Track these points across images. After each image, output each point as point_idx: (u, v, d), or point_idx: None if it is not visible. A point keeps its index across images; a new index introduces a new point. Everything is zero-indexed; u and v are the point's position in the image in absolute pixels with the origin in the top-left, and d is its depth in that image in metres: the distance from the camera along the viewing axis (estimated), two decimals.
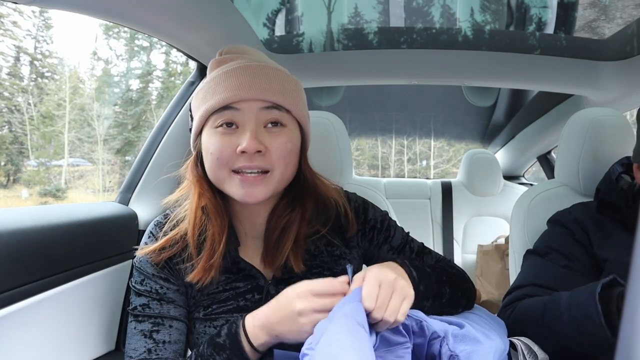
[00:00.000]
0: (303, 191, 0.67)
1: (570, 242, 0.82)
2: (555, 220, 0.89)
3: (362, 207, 0.72)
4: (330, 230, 0.68)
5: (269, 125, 0.60)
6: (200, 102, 0.61)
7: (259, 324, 0.54)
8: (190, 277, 0.61)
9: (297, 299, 0.52)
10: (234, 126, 0.59)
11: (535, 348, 0.60)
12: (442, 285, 0.62)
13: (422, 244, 0.76)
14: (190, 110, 0.65)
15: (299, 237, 0.64)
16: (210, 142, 0.59)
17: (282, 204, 0.66)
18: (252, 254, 0.67)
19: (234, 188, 0.59)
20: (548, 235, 0.88)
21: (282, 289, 0.59)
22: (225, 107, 0.58)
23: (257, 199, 0.59)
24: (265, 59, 0.65)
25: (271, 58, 0.72)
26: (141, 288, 0.63)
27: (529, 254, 0.89)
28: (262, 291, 0.63)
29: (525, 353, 0.59)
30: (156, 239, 0.65)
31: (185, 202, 0.67)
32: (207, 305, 0.63)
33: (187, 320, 0.65)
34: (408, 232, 0.76)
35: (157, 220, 0.68)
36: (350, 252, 0.70)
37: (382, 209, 0.76)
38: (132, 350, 0.61)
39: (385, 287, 0.50)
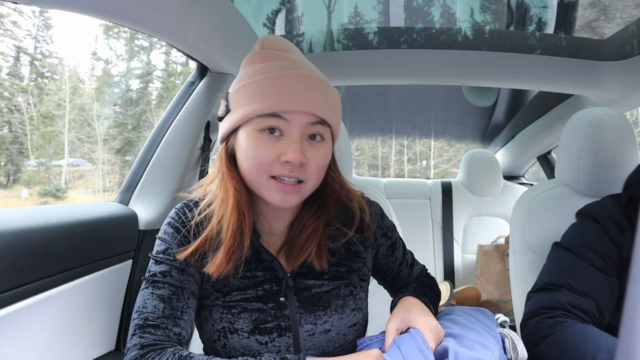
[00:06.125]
0: (328, 197, 0.68)
1: (604, 241, 0.75)
2: (588, 215, 0.81)
3: (380, 214, 0.78)
4: (350, 230, 0.71)
5: (309, 137, 0.61)
6: (245, 99, 0.59)
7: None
8: (210, 270, 0.61)
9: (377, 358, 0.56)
10: (277, 132, 0.59)
11: (520, 347, 0.59)
12: (436, 305, 0.75)
13: (412, 253, 0.84)
14: (228, 101, 0.62)
15: (321, 240, 0.66)
16: (253, 145, 0.58)
17: (308, 212, 0.67)
18: (271, 247, 0.67)
19: (270, 192, 0.61)
20: (580, 231, 0.80)
21: (301, 282, 0.65)
22: (274, 114, 0.57)
23: (290, 205, 0.62)
24: (307, 62, 0.64)
25: None
26: (164, 257, 0.62)
27: (557, 247, 0.82)
28: (281, 283, 0.65)
29: (509, 347, 0.59)
30: (184, 224, 0.64)
31: (208, 194, 0.66)
32: (227, 292, 0.63)
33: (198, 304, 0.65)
34: (404, 244, 0.83)
35: (186, 204, 0.67)
36: (365, 251, 0.73)
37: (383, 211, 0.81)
38: (150, 312, 0.58)
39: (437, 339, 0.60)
